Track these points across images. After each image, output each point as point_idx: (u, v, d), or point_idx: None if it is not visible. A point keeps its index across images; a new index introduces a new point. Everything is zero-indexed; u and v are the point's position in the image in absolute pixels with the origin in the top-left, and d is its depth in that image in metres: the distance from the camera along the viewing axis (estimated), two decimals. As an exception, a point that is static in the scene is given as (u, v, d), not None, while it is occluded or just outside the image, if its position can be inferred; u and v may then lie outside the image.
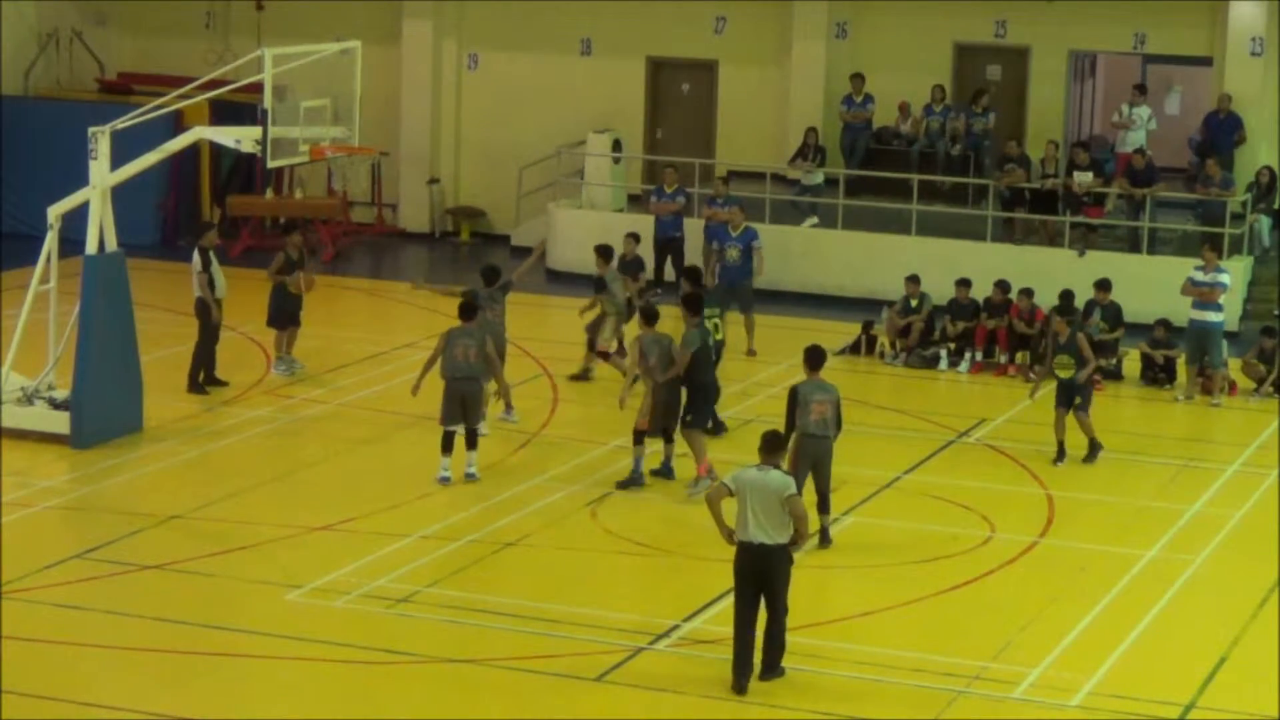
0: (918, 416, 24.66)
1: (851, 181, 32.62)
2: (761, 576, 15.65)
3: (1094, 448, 22.83)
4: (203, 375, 24.78)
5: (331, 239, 34.92)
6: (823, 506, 19.21)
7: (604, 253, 25.74)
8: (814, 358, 19.38)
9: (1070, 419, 22.67)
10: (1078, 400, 22.73)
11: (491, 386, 22.70)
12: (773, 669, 15.86)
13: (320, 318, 29.15)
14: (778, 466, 15.81)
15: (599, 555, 19.30)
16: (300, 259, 25.88)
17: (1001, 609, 17.98)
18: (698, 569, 18.73)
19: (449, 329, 21.45)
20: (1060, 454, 22.70)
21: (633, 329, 24.59)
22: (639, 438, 21.13)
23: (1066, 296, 26.33)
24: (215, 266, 24.66)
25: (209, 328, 24.64)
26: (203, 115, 28.01)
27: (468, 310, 21.59)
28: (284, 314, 25.75)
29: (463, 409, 21.11)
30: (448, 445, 21.14)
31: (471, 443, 21.28)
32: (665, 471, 21.33)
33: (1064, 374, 22.56)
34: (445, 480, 21.11)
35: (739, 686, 15.67)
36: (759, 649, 15.82)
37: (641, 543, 19.55)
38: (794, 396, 19.22)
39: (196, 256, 24.63)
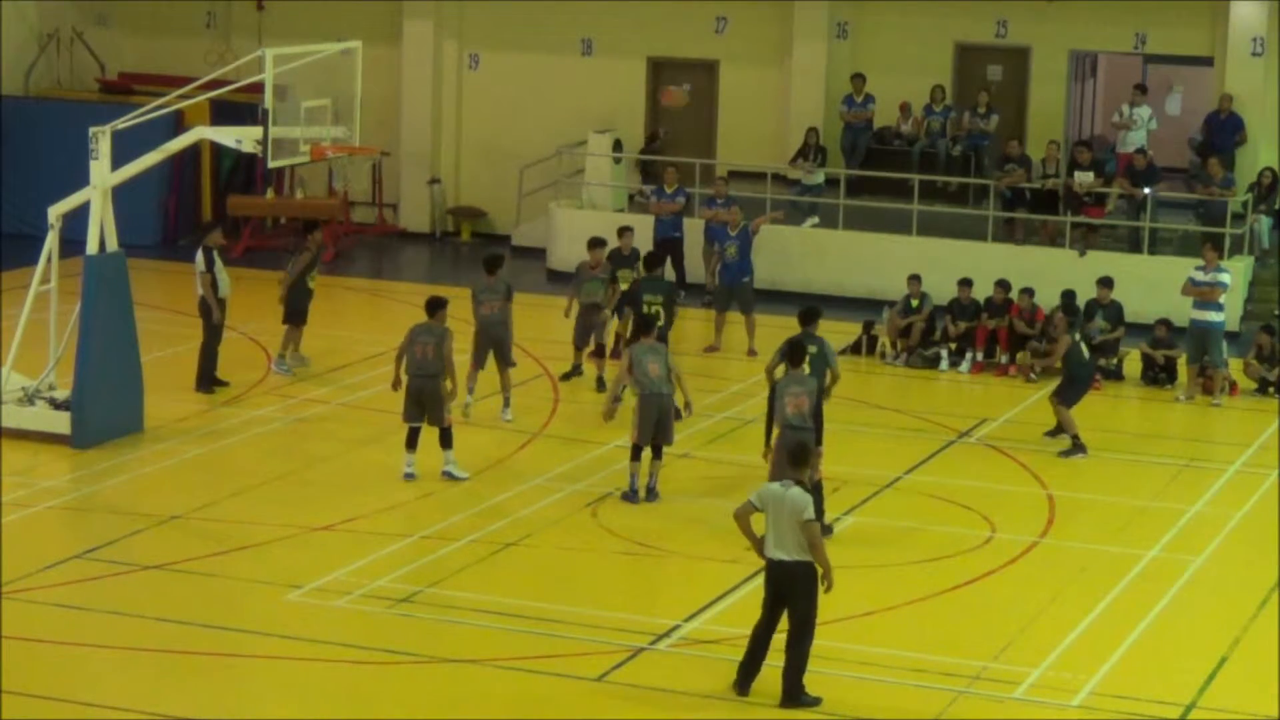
0: (918, 416, 24.65)
1: (852, 181, 32.62)
2: (780, 593, 15.42)
3: (1075, 444, 23.09)
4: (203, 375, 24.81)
5: (332, 239, 34.89)
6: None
7: (601, 244, 25.85)
8: (794, 353, 19.62)
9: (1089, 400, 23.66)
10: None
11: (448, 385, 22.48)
12: (790, 697, 15.45)
13: (321, 318, 29.14)
14: (801, 482, 15.52)
15: (599, 555, 19.30)
16: (318, 256, 26.04)
17: (1001, 609, 17.98)
18: (698, 569, 18.75)
19: (413, 325, 21.41)
20: (1059, 428, 23.42)
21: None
22: (636, 453, 20.89)
23: (1068, 295, 26.47)
24: (219, 266, 24.66)
25: (212, 328, 24.64)
26: (203, 115, 28.00)
27: (431, 306, 21.42)
28: (302, 311, 25.79)
29: (420, 406, 21.08)
30: (409, 441, 21.16)
31: (444, 441, 21.18)
32: (650, 494, 20.88)
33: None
34: (409, 477, 21.12)
35: (740, 687, 15.61)
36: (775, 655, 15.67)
37: (642, 543, 19.56)
38: (772, 391, 19.45)
39: (200, 256, 24.63)
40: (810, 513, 15.23)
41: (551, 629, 16.99)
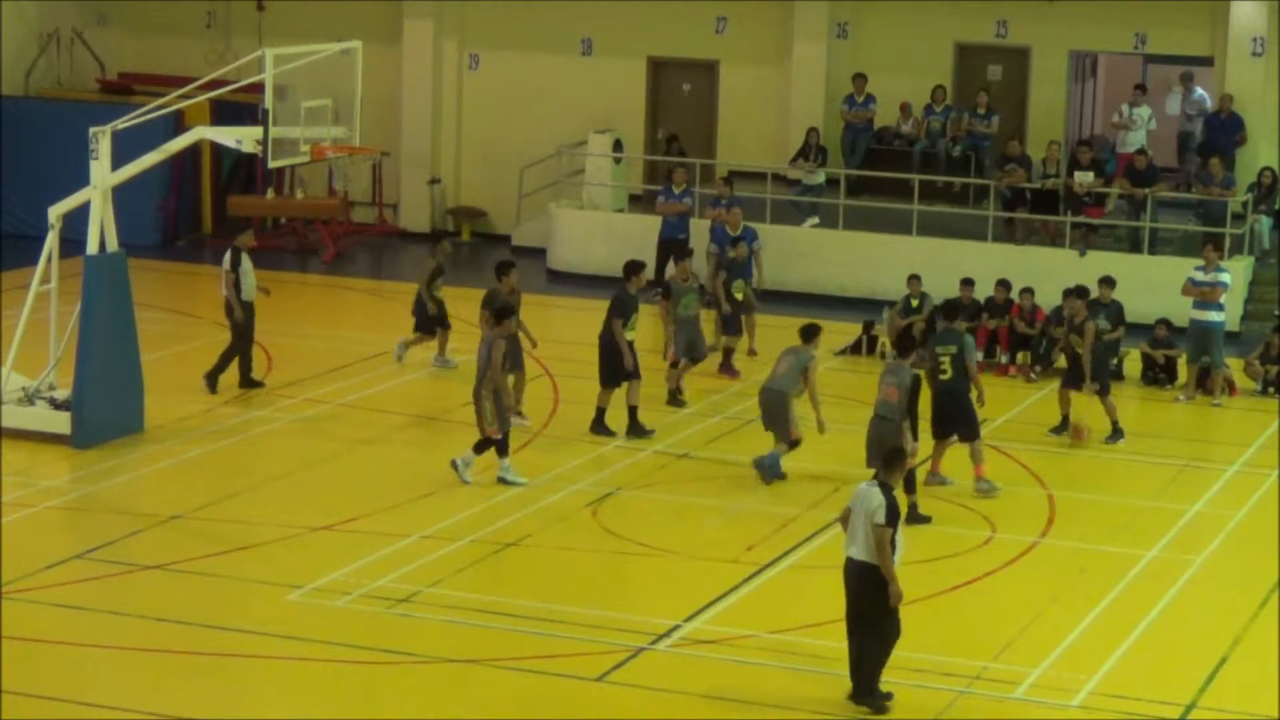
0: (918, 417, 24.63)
1: (853, 181, 32.63)
2: (851, 592, 15.38)
3: (1116, 430, 23.75)
4: (235, 375, 24.75)
5: (332, 239, 34.92)
6: (908, 486, 19.59)
7: (684, 257, 25.76)
8: (901, 342, 21.26)
9: (1080, 398, 23.95)
10: (1096, 387, 23.81)
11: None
12: (861, 694, 15.38)
13: (321, 318, 29.21)
14: (887, 485, 15.36)
15: (599, 555, 19.29)
16: (442, 267, 25.95)
17: (1001, 609, 17.99)
18: (698, 569, 18.74)
19: None
20: (1063, 425, 23.92)
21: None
22: (795, 445, 21.49)
23: (1081, 288, 26.72)
24: (245, 267, 24.63)
25: (237, 328, 24.60)
26: (204, 115, 28.01)
27: (496, 314, 21.50)
28: (440, 319, 25.80)
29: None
30: (497, 449, 21.15)
31: (499, 449, 21.06)
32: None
33: (1079, 349, 24.09)
34: (499, 479, 21.15)
35: (852, 698, 15.54)
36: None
37: (641, 543, 19.55)
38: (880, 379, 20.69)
39: (227, 256, 24.64)
40: (881, 516, 15.12)
41: (551, 629, 16.99)
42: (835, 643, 16.47)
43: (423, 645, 16.60)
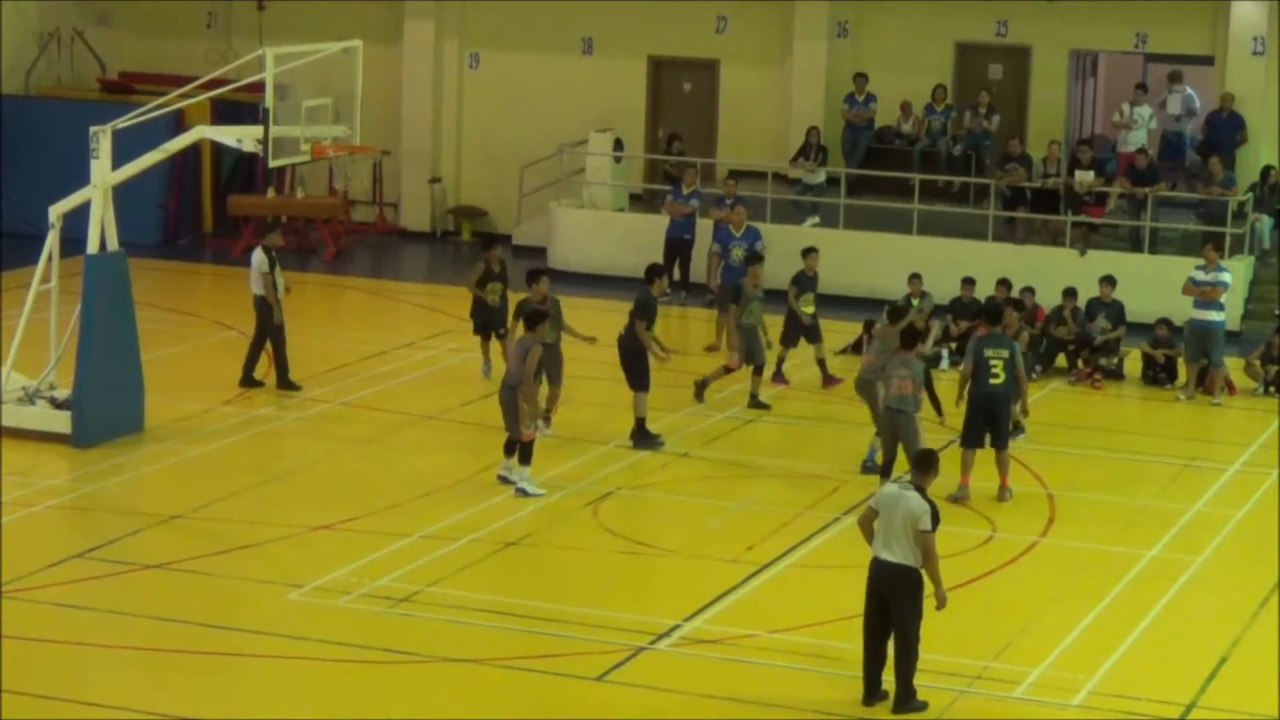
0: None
1: (853, 181, 32.62)
2: (884, 595, 15.30)
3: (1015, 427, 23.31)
4: (237, 373, 24.75)
5: (333, 238, 34.92)
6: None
7: (757, 261, 25.50)
8: (907, 336, 20.78)
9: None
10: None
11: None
12: (901, 702, 15.36)
13: (320, 318, 29.19)
14: (921, 488, 15.33)
15: (599, 555, 19.29)
16: (501, 271, 25.35)
17: (1002, 609, 17.98)
18: (698, 569, 18.74)
19: None
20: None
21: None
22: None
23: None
24: (277, 268, 24.62)
25: (269, 327, 24.56)
26: (204, 114, 28.00)
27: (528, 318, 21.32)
28: (484, 325, 25.37)
29: (507, 414, 21.04)
30: (505, 446, 21.07)
31: (507, 449, 21.01)
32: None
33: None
34: (499, 479, 21.10)
35: (864, 701, 15.49)
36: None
37: (642, 542, 19.56)
38: (885, 373, 20.60)
39: (261, 255, 24.60)
40: (927, 523, 15.07)
41: (551, 629, 16.99)
42: (836, 642, 16.53)
43: (423, 644, 16.60)
